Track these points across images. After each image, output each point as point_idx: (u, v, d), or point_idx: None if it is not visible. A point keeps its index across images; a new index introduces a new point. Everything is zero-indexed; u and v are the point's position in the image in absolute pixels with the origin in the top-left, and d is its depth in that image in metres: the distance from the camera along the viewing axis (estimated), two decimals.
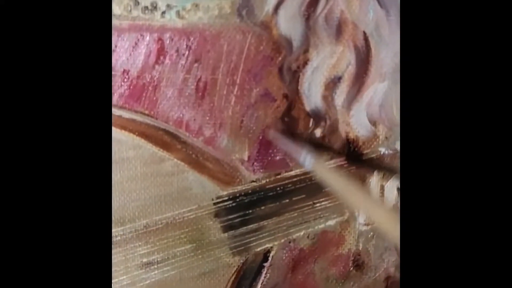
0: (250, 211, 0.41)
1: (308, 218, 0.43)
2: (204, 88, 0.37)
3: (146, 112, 0.37)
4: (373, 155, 0.44)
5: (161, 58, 0.36)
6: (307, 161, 0.36)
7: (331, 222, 0.44)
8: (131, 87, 0.36)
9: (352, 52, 0.40)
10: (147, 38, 0.35)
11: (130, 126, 0.37)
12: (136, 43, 0.35)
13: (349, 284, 0.46)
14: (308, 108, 0.40)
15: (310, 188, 0.42)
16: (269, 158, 0.40)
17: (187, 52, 0.36)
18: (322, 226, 0.44)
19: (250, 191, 0.41)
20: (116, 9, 0.34)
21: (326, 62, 0.39)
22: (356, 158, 0.43)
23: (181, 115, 0.37)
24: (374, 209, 0.32)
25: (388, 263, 0.47)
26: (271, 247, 0.43)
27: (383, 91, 0.42)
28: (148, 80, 0.36)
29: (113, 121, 0.36)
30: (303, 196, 0.42)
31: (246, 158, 0.40)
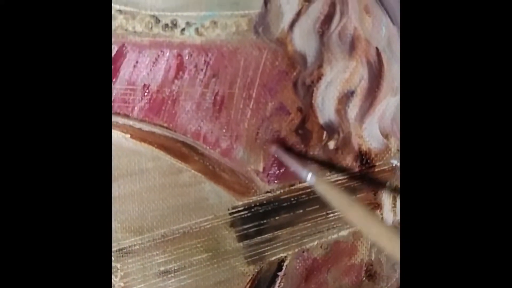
0: (265, 221, 0.42)
1: (321, 228, 0.44)
2: (221, 101, 0.38)
3: (165, 125, 0.38)
4: (386, 167, 0.44)
5: (180, 73, 0.37)
6: (309, 176, 0.37)
7: (344, 232, 0.44)
8: (151, 101, 0.37)
9: (365, 67, 0.41)
10: (167, 54, 0.37)
11: (149, 139, 0.38)
12: (156, 59, 0.36)
13: None
14: (321, 121, 0.41)
15: (324, 199, 0.43)
16: (283, 169, 0.41)
17: (205, 68, 0.37)
18: (335, 236, 0.44)
19: (265, 202, 0.42)
20: (137, 26, 0.36)
21: (340, 77, 0.40)
22: (369, 169, 0.43)
23: (199, 127, 0.39)
24: (374, 227, 0.32)
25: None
26: (285, 257, 0.43)
27: (395, 105, 0.42)
28: (168, 94, 0.37)
29: (133, 133, 0.37)
30: (317, 206, 0.43)
31: (261, 169, 0.41)
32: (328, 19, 0.39)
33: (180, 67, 0.37)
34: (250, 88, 0.39)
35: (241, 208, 0.41)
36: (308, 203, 0.43)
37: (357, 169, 0.43)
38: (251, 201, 0.41)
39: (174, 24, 0.36)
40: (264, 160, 0.41)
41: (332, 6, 0.39)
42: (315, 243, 0.44)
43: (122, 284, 0.39)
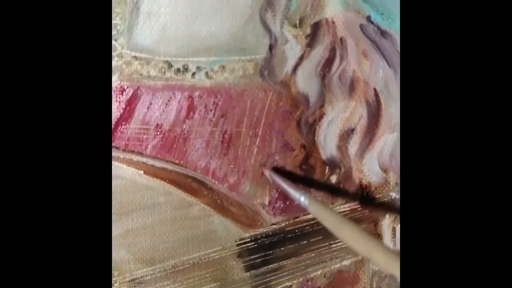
0: (271, 251, 0.43)
1: (324, 258, 0.45)
2: (229, 139, 0.40)
3: (177, 161, 0.39)
4: (385, 199, 0.46)
5: (191, 113, 0.39)
6: (302, 199, 0.37)
7: (346, 262, 0.45)
8: (163, 139, 0.39)
9: (364, 107, 0.42)
10: (179, 96, 0.38)
11: (161, 174, 0.39)
12: (168, 101, 0.38)
13: None
14: (324, 157, 0.43)
15: (327, 230, 0.44)
16: (288, 203, 0.43)
17: (214, 108, 0.39)
18: (338, 265, 0.45)
19: (270, 233, 0.43)
20: (151, 71, 0.38)
21: (340, 115, 0.42)
22: (369, 202, 0.45)
23: (208, 163, 0.40)
24: (367, 244, 0.31)
25: None
26: (290, 286, 0.44)
27: (393, 141, 0.44)
28: (179, 133, 0.39)
29: (146, 170, 0.39)
30: (320, 237, 0.44)
31: (267, 203, 0.42)
32: (328, 63, 0.41)
33: (191, 108, 0.39)
34: (256, 127, 0.41)
35: (248, 240, 0.42)
36: (312, 234, 0.44)
37: (357, 202, 0.45)
38: (257, 233, 0.42)
39: (186, 69, 0.38)
40: (269, 194, 0.42)
41: (333, 51, 0.41)
42: (319, 272, 0.45)
43: None
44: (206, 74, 0.39)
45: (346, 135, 0.43)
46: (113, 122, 0.38)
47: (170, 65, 0.38)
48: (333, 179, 0.43)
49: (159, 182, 0.39)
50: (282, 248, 0.43)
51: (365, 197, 0.45)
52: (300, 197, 0.37)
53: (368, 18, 0.41)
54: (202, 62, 0.38)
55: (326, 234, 0.44)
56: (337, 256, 0.45)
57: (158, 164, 0.39)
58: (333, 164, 0.43)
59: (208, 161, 0.40)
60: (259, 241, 0.43)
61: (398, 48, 0.42)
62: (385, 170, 0.45)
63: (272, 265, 0.43)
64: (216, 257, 0.42)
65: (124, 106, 0.38)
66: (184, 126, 0.39)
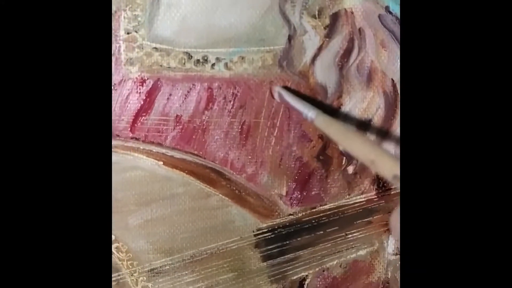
0: (288, 242, 0.43)
1: (340, 248, 0.45)
2: (248, 130, 0.41)
3: (195, 152, 0.40)
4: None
5: (210, 104, 0.39)
6: (310, 113, 0.37)
7: (362, 252, 0.46)
8: (183, 131, 0.39)
9: (381, 97, 0.43)
10: (198, 87, 0.39)
11: (180, 165, 0.40)
12: (188, 92, 0.39)
13: None
14: (341, 147, 0.43)
15: (343, 220, 0.44)
16: (305, 193, 0.43)
17: (233, 99, 0.40)
18: (353, 255, 0.46)
19: (287, 224, 0.43)
20: (171, 62, 0.38)
21: (358, 106, 0.42)
22: (385, 193, 0.45)
23: (226, 154, 0.41)
24: (374, 154, 0.31)
25: None
26: (306, 275, 0.45)
27: None
28: (198, 124, 0.39)
29: (165, 161, 0.40)
30: (336, 228, 0.44)
31: (284, 193, 0.43)
32: (347, 53, 0.41)
33: (210, 99, 0.39)
34: (275, 118, 0.41)
35: (265, 230, 0.43)
36: (328, 225, 0.44)
37: (374, 192, 0.45)
38: (274, 223, 0.43)
39: (205, 60, 0.39)
40: (287, 185, 0.43)
41: (351, 41, 0.41)
42: (335, 262, 0.45)
43: None
44: (226, 65, 0.39)
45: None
46: (133, 113, 0.38)
47: (190, 56, 0.38)
48: (350, 169, 0.44)
49: (178, 173, 0.40)
50: (299, 239, 0.44)
51: (381, 188, 0.45)
52: (308, 112, 0.37)
53: (387, 9, 0.41)
54: (222, 53, 0.39)
55: (342, 225, 0.45)
56: (353, 246, 0.46)
57: (177, 155, 0.39)
58: (350, 155, 0.43)
59: (227, 152, 0.41)
60: (276, 232, 0.43)
61: None
62: None
63: (288, 255, 0.44)
64: (234, 247, 0.42)
65: (144, 97, 0.38)
66: (203, 117, 0.39)
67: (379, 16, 0.41)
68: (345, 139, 0.34)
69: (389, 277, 0.47)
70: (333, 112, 0.42)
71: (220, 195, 0.41)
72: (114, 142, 0.38)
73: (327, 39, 0.41)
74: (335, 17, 0.40)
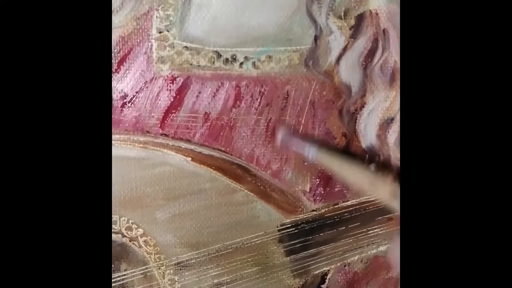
0: (310, 237, 0.44)
1: (362, 244, 0.46)
2: (274, 128, 0.41)
3: (223, 149, 0.41)
4: None
5: (238, 102, 0.40)
6: (311, 153, 0.38)
7: (382, 248, 0.46)
8: (211, 128, 0.40)
9: None
10: (227, 85, 0.40)
11: (208, 161, 0.41)
12: (217, 90, 0.40)
13: None
14: (364, 145, 0.43)
15: (365, 216, 0.45)
16: (328, 190, 0.44)
17: (260, 97, 0.40)
18: (374, 251, 0.46)
19: (310, 219, 0.44)
20: (201, 61, 0.39)
21: (381, 105, 0.43)
22: None
23: (252, 151, 0.41)
24: (375, 186, 0.34)
25: None
26: (328, 270, 0.45)
27: None
28: (226, 121, 0.40)
29: (193, 157, 0.41)
30: (358, 224, 0.45)
31: (308, 190, 0.43)
32: (371, 53, 0.42)
33: (238, 97, 0.40)
34: (300, 116, 0.42)
35: (289, 225, 0.43)
36: (350, 221, 0.45)
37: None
38: (298, 218, 0.44)
39: (234, 59, 0.39)
40: (310, 181, 0.43)
41: (375, 42, 0.42)
42: (356, 257, 0.46)
43: None
44: (253, 64, 0.40)
45: (386, 124, 0.44)
46: (163, 110, 0.39)
47: (219, 55, 0.39)
48: (372, 167, 0.44)
49: (205, 168, 0.41)
50: (321, 234, 0.45)
51: None
52: (309, 151, 0.39)
53: None
54: (250, 52, 0.40)
55: (363, 221, 0.45)
56: (374, 242, 0.46)
57: (205, 151, 0.40)
58: (372, 152, 0.44)
59: (253, 149, 0.41)
60: (299, 227, 0.44)
61: None
62: None
63: (311, 250, 0.45)
64: (258, 242, 0.43)
65: (174, 95, 0.39)
66: (231, 115, 0.40)
67: None
68: (345, 170, 0.36)
69: None
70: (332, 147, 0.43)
71: (246, 190, 0.42)
72: (144, 139, 0.39)
73: (352, 40, 0.41)
74: (360, 18, 0.41)
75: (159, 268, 0.42)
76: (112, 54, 0.37)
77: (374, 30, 0.42)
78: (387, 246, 0.47)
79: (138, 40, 0.37)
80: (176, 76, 0.39)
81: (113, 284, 0.41)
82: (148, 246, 0.41)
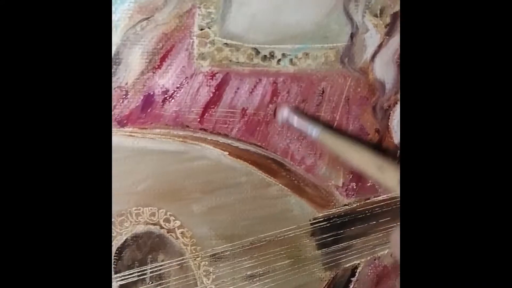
0: (342, 231, 0.45)
1: None
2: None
3: (259, 144, 0.42)
4: None
5: (274, 98, 0.41)
6: (314, 132, 0.39)
7: None
8: (248, 123, 0.41)
9: None
10: (264, 81, 0.40)
11: (244, 156, 0.41)
12: (254, 86, 0.40)
13: None
14: (396, 141, 0.44)
15: (395, 211, 0.46)
16: (360, 185, 0.45)
17: (296, 93, 0.41)
18: None
19: (342, 214, 0.45)
20: (240, 57, 0.40)
21: None
22: None
23: (287, 146, 0.42)
24: (376, 169, 0.34)
25: None
26: (358, 264, 0.46)
27: None
28: (262, 116, 0.41)
29: (230, 151, 0.41)
30: (389, 218, 0.46)
31: (340, 185, 0.44)
32: None
33: (275, 93, 0.41)
34: (334, 112, 0.42)
35: (321, 219, 0.44)
36: (381, 215, 0.46)
37: None
38: (330, 213, 0.45)
39: (272, 56, 0.40)
40: (343, 176, 0.44)
41: None
42: (386, 251, 0.47)
43: (213, 286, 0.43)
44: (291, 60, 0.41)
45: None
46: (202, 106, 0.40)
47: (257, 52, 0.40)
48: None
49: (241, 163, 0.42)
50: (353, 228, 0.46)
51: None
52: (312, 130, 0.39)
53: None
54: (287, 50, 0.40)
55: (394, 215, 0.46)
56: None
57: (242, 146, 0.41)
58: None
59: (288, 144, 0.42)
60: (331, 221, 0.45)
61: None
62: None
63: (342, 244, 0.45)
64: (291, 235, 0.44)
65: (213, 90, 0.40)
66: (268, 110, 0.41)
67: None
68: (350, 153, 0.37)
69: None
70: (334, 129, 0.44)
71: (280, 185, 0.43)
72: (183, 133, 0.40)
73: (387, 37, 0.42)
74: (395, 16, 0.42)
75: (194, 259, 0.42)
76: (155, 51, 0.38)
77: None
78: None
79: (180, 37, 0.38)
80: (215, 72, 0.40)
81: (150, 275, 0.42)
82: (184, 238, 0.42)
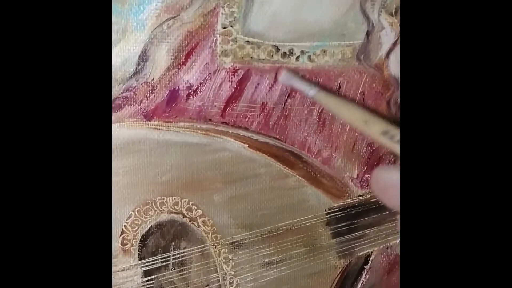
0: (356, 220, 0.47)
1: None
2: (325, 117, 0.44)
3: (277, 136, 0.43)
4: None
5: (293, 93, 0.43)
6: (311, 92, 0.39)
7: None
8: (267, 117, 0.43)
9: None
10: None
11: (263, 148, 0.43)
12: (274, 81, 0.42)
13: None
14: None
15: None
16: None
17: None
18: None
19: (356, 204, 0.47)
20: (261, 54, 0.41)
21: None
22: None
23: (304, 139, 0.44)
24: (362, 122, 0.35)
25: None
26: (372, 252, 0.48)
27: None
28: (281, 110, 0.43)
29: (250, 144, 0.43)
30: None
31: (355, 176, 0.46)
32: None
33: (293, 88, 0.43)
34: None
35: (336, 209, 0.46)
36: None
37: None
38: (345, 203, 0.46)
39: (291, 52, 0.42)
40: (358, 168, 0.46)
41: None
42: (398, 241, 0.48)
43: (232, 273, 0.44)
44: (309, 57, 0.42)
45: None
46: (225, 100, 0.42)
47: (277, 49, 0.42)
48: None
49: (261, 155, 0.43)
50: (366, 218, 0.47)
51: None
52: (309, 90, 0.40)
53: None
54: (306, 47, 0.42)
55: None
56: None
57: (261, 139, 0.43)
58: None
59: (305, 137, 0.44)
60: (346, 211, 0.46)
61: None
62: None
63: (356, 233, 0.47)
64: (307, 224, 0.46)
65: (235, 86, 0.41)
66: (286, 105, 0.43)
67: None
68: (341, 108, 0.37)
69: None
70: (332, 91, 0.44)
71: (297, 176, 0.45)
72: (206, 126, 0.42)
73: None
74: None
75: (215, 247, 0.44)
76: (180, 48, 0.39)
77: None
78: None
79: (204, 35, 0.40)
80: (237, 68, 0.41)
81: (173, 261, 0.44)
82: (206, 226, 0.44)
